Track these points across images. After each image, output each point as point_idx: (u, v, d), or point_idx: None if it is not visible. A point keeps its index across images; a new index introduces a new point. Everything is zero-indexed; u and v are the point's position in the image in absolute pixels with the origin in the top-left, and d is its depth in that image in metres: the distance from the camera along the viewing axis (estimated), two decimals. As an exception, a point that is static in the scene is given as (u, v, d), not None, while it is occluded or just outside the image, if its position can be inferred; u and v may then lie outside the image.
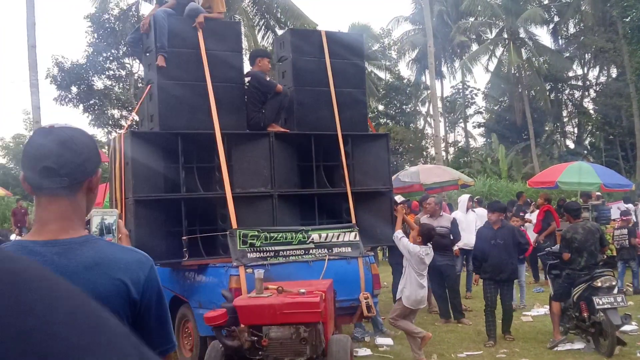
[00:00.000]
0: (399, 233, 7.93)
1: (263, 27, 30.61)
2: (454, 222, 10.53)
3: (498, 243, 9.05)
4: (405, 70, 53.69)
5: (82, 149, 1.94)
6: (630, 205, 17.09)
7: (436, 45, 35.32)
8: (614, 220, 16.06)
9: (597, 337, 8.16)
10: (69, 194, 1.92)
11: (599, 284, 8.01)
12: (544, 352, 8.12)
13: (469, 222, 12.26)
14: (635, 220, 14.19)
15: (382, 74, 45.04)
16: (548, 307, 9.32)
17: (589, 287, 8.08)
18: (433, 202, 10.75)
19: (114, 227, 2.26)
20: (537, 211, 14.77)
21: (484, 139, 53.21)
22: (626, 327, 8.67)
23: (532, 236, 14.79)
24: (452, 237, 10.42)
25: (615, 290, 8.33)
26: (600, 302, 7.87)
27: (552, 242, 12.96)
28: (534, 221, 14.53)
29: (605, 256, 11.59)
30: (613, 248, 14.17)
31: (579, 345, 8.46)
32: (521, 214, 15.83)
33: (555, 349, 8.37)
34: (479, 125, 54.29)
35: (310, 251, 7.70)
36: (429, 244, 7.88)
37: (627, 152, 41.82)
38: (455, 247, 11.05)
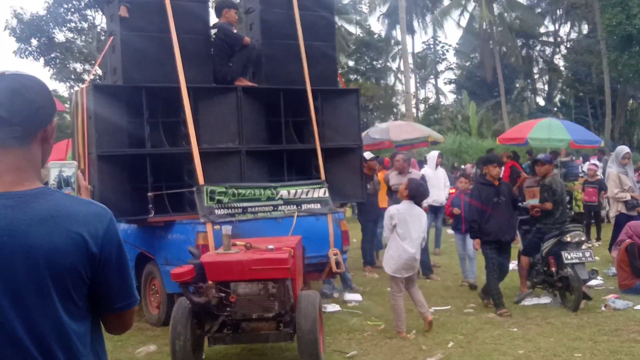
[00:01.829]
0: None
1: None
2: (423, 179, 10.48)
3: (501, 200, 8.17)
4: (376, 25, 53.33)
5: (35, 97, 1.87)
6: (597, 161, 17.28)
7: (407, 0, 34.99)
8: (581, 176, 16.25)
9: (564, 292, 8.26)
10: (22, 145, 1.86)
11: (569, 239, 8.08)
12: (510, 307, 8.18)
13: (438, 179, 12.26)
14: (600, 177, 14.33)
15: (352, 29, 44.74)
16: (516, 262, 9.39)
17: (559, 242, 8.15)
18: (401, 159, 10.70)
19: (72, 180, 2.16)
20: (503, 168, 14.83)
21: (455, 96, 53.43)
22: (592, 282, 8.79)
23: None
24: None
25: (584, 246, 8.40)
26: (569, 257, 7.94)
27: (522, 198, 13.04)
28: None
29: (572, 212, 11.72)
30: (581, 205, 14.36)
31: (545, 299, 8.55)
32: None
33: (522, 303, 8.46)
34: (450, 82, 54.47)
35: (279, 208, 7.62)
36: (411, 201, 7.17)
37: (597, 109, 42.19)
38: (424, 204, 11.04)
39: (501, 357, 6.35)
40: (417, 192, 7.23)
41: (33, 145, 1.89)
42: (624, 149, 10.45)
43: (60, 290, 1.80)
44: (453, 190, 11.99)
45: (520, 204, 9.25)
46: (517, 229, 9.11)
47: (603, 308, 8.01)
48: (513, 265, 10.33)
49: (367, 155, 10.91)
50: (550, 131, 17.00)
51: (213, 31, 8.50)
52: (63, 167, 2.18)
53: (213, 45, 8.41)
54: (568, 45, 47.01)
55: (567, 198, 9.46)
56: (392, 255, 7.12)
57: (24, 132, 1.84)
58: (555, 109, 45.44)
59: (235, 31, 8.50)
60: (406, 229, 7.06)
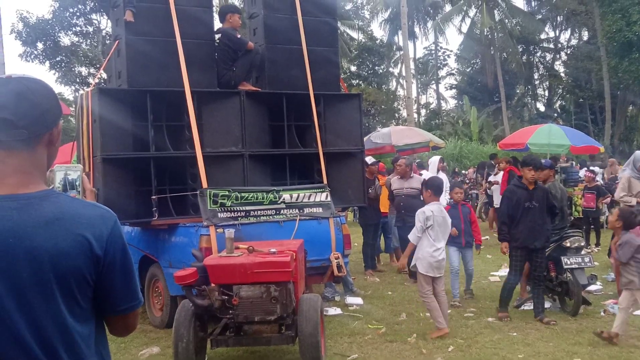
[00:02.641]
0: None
1: (234, -18, 30.13)
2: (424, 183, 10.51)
3: (533, 206, 7.81)
4: (378, 31, 53.41)
5: (41, 100, 1.89)
6: (596, 168, 17.33)
7: (409, 5, 35.06)
8: (581, 182, 16.29)
9: (563, 297, 8.30)
10: (28, 147, 1.87)
11: (568, 244, 8.12)
12: (510, 311, 8.22)
13: (440, 183, 12.29)
14: (600, 182, 14.38)
15: (354, 34, 44.80)
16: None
17: (558, 247, 8.19)
18: (403, 163, 10.76)
19: (77, 183, 2.19)
20: (502, 173, 14.87)
21: (456, 101, 53.49)
22: (591, 287, 8.85)
23: (498, 198, 14.97)
24: (422, 198, 10.42)
25: (583, 251, 8.44)
26: (568, 262, 7.98)
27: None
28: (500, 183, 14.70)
29: (572, 218, 11.75)
30: (580, 210, 14.39)
31: (545, 304, 8.59)
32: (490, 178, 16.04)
33: (522, 307, 8.50)
34: (451, 87, 54.49)
35: (282, 211, 7.67)
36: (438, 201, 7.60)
37: (597, 115, 42.29)
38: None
39: (501, 361, 6.40)
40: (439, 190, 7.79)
41: (39, 148, 1.90)
42: None
43: (64, 292, 1.82)
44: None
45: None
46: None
47: (602, 313, 8.06)
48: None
49: (368, 160, 10.97)
50: (550, 137, 17.06)
51: (217, 36, 8.56)
52: (68, 170, 2.20)
53: (217, 49, 8.47)
54: (568, 52, 47.15)
55: (567, 203, 9.48)
56: (425, 255, 7.30)
57: (30, 135, 1.85)
58: (556, 114, 45.49)
59: (239, 36, 8.56)
60: (439, 231, 7.36)
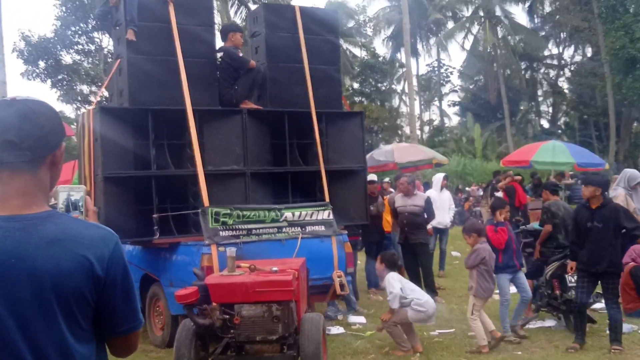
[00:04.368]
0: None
1: (236, 1, 30.24)
2: (428, 201, 10.49)
3: (595, 226, 7.22)
4: (381, 48, 53.64)
5: (45, 122, 1.90)
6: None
7: (412, 23, 35.20)
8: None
9: (568, 315, 8.22)
10: (31, 169, 1.88)
11: (574, 263, 8.04)
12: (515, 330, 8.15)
13: (443, 201, 12.28)
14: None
15: (357, 52, 44.93)
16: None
17: (562, 265, 8.12)
18: (405, 181, 10.71)
19: (80, 204, 2.20)
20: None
21: (459, 118, 53.56)
22: (596, 305, 8.75)
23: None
24: (426, 216, 10.40)
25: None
26: (573, 280, 7.91)
27: (526, 220, 13.05)
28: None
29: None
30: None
31: (549, 322, 8.53)
32: (495, 193, 16.00)
33: (527, 326, 8.42)
34: (454, 104, 54.58)
35: (283, 229, 7.64)
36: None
37: (601, 131, 42.28)
38: (429, 226, 11.04)
39: (505, 381, 6.33)
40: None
41: (42, 170, 1.91)
42: (638, 176, 10.15)
43: (65, 312, 1.82)
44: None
45: (523, 226, 9.24)
46: (521, 252, 9.05)
47: (607, 331, 7.97)
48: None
49: (371, 177, 10.94)
50: (554, 154, 17.04)
51: (219, 54, 8.58)
52: (71, 191, 2.21)
53: (219, 68, 8.48)
54: (572, 68, 47.19)
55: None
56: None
57: (33, 157, 1.86)
58: (560, 131, 45.52)
59: (240, 54, 8.58)
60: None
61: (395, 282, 7.33)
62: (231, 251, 6.32)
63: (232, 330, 5.77)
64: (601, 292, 8.43)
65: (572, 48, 48.02)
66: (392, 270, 7.56)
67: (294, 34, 8.78)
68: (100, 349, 1.98)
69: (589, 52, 45.40)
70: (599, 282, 7.43)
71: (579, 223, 7.45)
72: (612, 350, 7.13)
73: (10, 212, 1.84)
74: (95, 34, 29.83)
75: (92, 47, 30.56)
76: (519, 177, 15.77)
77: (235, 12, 30.52)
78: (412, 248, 10.17)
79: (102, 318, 1.93)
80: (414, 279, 10.45)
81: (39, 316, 1.79)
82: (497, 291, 8.03)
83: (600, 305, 8.99)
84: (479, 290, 7.36)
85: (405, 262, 10.32)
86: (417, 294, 7.43)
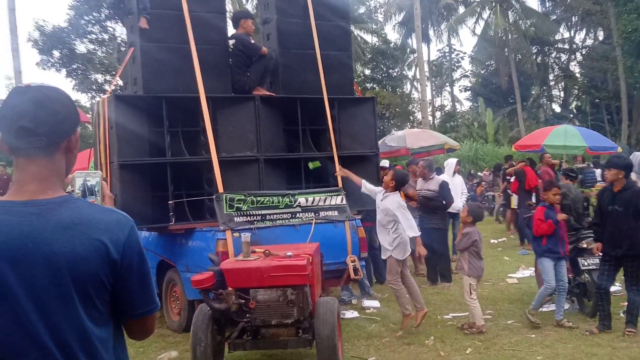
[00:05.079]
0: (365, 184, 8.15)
1: (247, -12, 30.23)
2: (443, 185, 10.43)
3: (615, 210, 7.18)
4: (392, 34, 53.37)
5: (59, 107, 1.93)
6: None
7: (422, 8, 35.02)
8: (598, 182, 16.19)
9: (581, 298, 8.25)
10: (46, 154, 1.91)
11: (585, 245, 8.06)
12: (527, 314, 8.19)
13: (455, 186, 12.26)
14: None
15: (368, 38, 44.74)
16: (533, 269, 9.38)
17: (575, 248, 8.13)
18: (422, 165, 10.75)
19: (96, 189, 2.22)
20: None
21: (471, 103, 53.31)
22: (610, 288, 8.74)
23: (515, 199, 14.95)
24: (443, 201, 10.34)
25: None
26: (586, 263, 7.94)
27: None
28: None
29: (590, 219, 11.64)
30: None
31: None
32: (508, 177, 15.99)
33: (540, 309, 8.45)
34: (466, 89, 54.33)
35: (297, 215, 7.69)
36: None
37: (613, 115, 41.96)
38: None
39: (519, 363, 6.38)
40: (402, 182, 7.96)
41: (57, 155, 1.94)
42: None
43: (82, 296, 1.85)
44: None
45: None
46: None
47: (621, 314, 7.99)
48: (530, 272, 10.35)
49: (384, 163, 10.96)
50: (566, 138, 16.96)
51: (231, 42, 8.61)
52: (87, 176, 2.23)
53: (231, 55, 8.51)
54: (584, 52, 46.81)
55: (585, 205, 9.37)
56: (405, 239, 7.70)
57: (48, 143, 1.89)
58: (572, 115, 45.22)
59: (252, 41, 8.61)
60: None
61: (401, 201, 7.71)
62: (246, 236, 6.40)
63: (247, 315, 5.85)
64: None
65: (584, 31, 47.63)
66: (397, 190, 7.88)
67: (305, 20, 8.80)
68: (117, 332, 2.01)
69: (600, 35, 45.07)
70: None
71: (602, 206, 7.41)
72: (626, 333, 7.13)
73: (26, 197, 1.88)
74: (109, 23, 29.94)
75: (106, 36, 30.69)
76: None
77: (247, -1, 30.52)
78: (428, 233, 10.23)
79: (118, 301, 1.96)
80: (429, 263, 10.50)
81: (56, 300, 1.82)
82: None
83: (614, 288, 8.99)
84: (472, 269, 7.58)
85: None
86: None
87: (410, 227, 7.62)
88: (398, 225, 7.63)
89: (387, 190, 7.83)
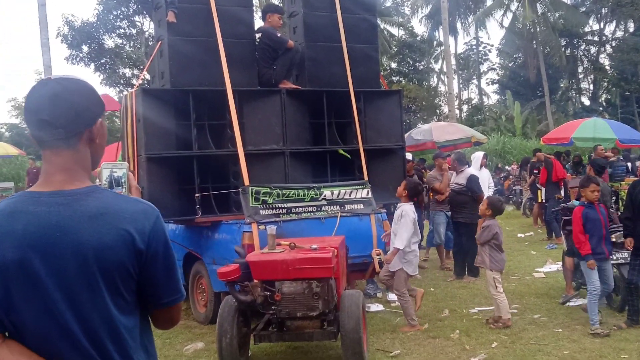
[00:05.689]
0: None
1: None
2: (472, 179, 10.29)
3: None
4: (419, 27, 53.07)
5: (77, 98, 1.94)
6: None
7: (450, 1, 34.76)
8: (629, 176, 15.98)
9: (610, 293, 8.15)
10: (69, 146, 1.94)
11: (614, 239, 7.94)
12: (555, 308, 8.14)
13: (482, 179, 12.16)
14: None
15: (395, 31, 44.58)
16: (560, 263, 9.30)
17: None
18: (452, 158, 10.73)
19: (123, 180, 2.25)
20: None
21: (498, 96, 52.87)
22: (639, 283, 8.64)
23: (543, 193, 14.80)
24: (471, 195, 10.20)
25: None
26: (615, 257, 7.83)
27: (567, 198, 12.93)
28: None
29: (619, 213, 11.52)
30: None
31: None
32: (535, 171, 15.84)
33: (567, 304, 8.38)
34: (493, 82, 53.90)
35: (323, 208, 7.71)
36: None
37: (644, 108, 41.36)
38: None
39: (545, 358, 6.32)
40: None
41: (80, 146, 1.96)
42: None
43: (109, 285, 1.88)
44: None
45: (565, 204, 9.14)
46: (562, 230, 8.96)
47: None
48: (557, 266, 10.25)
49: (409, 156, 10.93)
50: (595, 131, 16.77)
51: (257, 35, 8.63)
52: (114, 167, 2.27)
53: (257, 48, 8.54)
54: (613, 44, 46.12)
55: (614, 198, 9.27)
56: (413, 258, 7.53)
57: (68, 134, 1.91)
58: (601, 108, 44.61)
59: (279, 35, 8.62)
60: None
61: (411, 213, 7.48)
62: (271, 229, 6.42)
63: (273, 307, 5.88)
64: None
65: (614, 23, 46.93)
66: (410, 201, 7.72)
67: (332, 13, 8.80)
68: (143, 321, 2.04)
69: (631, 27, 44.35)
70: None
71: (633, 199, 7.27)
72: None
73: (53, 187, 1.91)
74: (137, 18, 30.23)
75: (134, 31, 30.98)
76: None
77: (273, -8, 30.51)
78: (456, 227, 10.22)
79: (144, 290, 1.99)
80: (457, 257, 10.46)
81: (84, 289, 1.85)
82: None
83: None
84: (494, 263, 7.53)
85: (446, 241, 10.51)
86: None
87: (399, 238, 7.32)
88: (413, 243, 7.49)
89: (401, 200, 7.72)
